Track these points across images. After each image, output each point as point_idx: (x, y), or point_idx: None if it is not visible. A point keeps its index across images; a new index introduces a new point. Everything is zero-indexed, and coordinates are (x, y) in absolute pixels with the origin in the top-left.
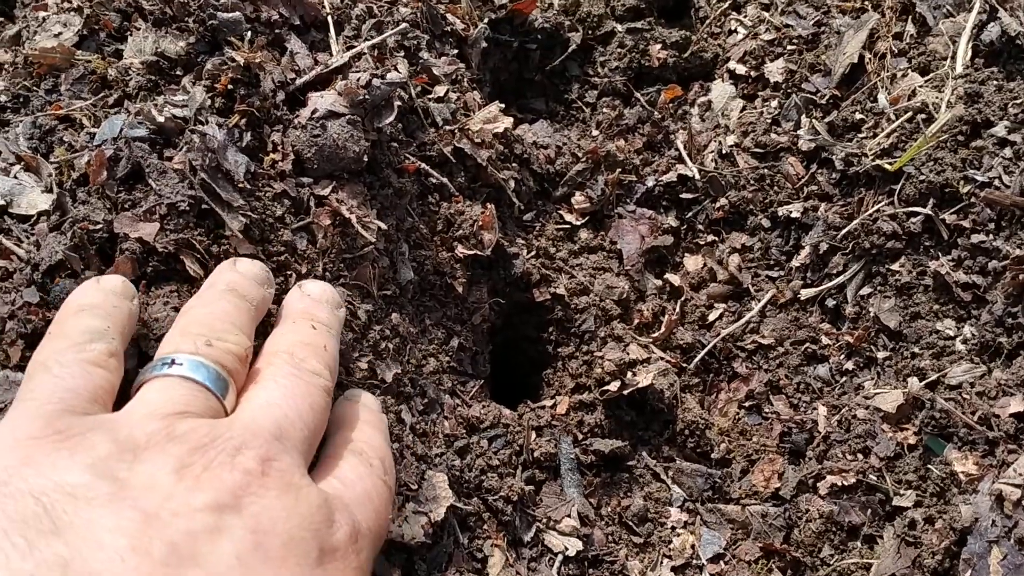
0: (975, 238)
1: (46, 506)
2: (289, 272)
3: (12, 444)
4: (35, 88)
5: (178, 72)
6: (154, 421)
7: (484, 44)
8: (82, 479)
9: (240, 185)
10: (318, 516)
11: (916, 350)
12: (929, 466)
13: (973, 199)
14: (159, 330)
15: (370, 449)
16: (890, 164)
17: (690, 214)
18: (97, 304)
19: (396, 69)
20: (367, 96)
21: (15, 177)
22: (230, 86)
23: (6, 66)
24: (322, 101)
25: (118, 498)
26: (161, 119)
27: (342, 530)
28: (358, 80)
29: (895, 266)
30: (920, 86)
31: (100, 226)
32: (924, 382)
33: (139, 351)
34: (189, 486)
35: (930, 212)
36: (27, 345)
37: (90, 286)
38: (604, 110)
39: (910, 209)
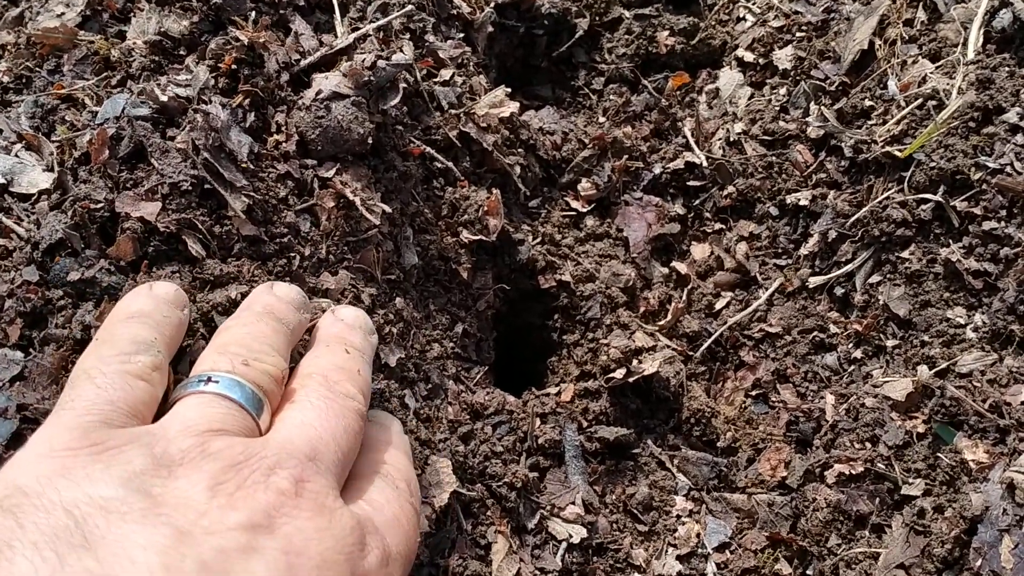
0: (986, 225)
1: (78, 519)
2: (292, 254)
3: (48, 453)
4: (38, 69)
5: (181, 52)
6: (189, 437)
7: (490, 29)
8: (116, 493)
9: (243, 165)
10: (351, 539)
11: (926, 338)
12: (939, 454)
13: (984, 186)
14: None
15: (396, 472)
16: (900, 151)
17: (697, 202)
18: (147, 312)
19: (401, 51)
20: (372, 78)
21: (16, 156)
22: (234, 66)
23: (8, 47)
24: (327, 82)
25: (151, 514)
26: (164, 98)
27: (374, 554)
28: (363, 61)
29: (905, 254)
30: (931, 72)
31: (101, 205)
32: (934, 370)
33: None
34: (222, 504)
35: (941, 199)
36: (25, 324)
37: (142, 292)
38: (611, 97)
39: (920, 196)
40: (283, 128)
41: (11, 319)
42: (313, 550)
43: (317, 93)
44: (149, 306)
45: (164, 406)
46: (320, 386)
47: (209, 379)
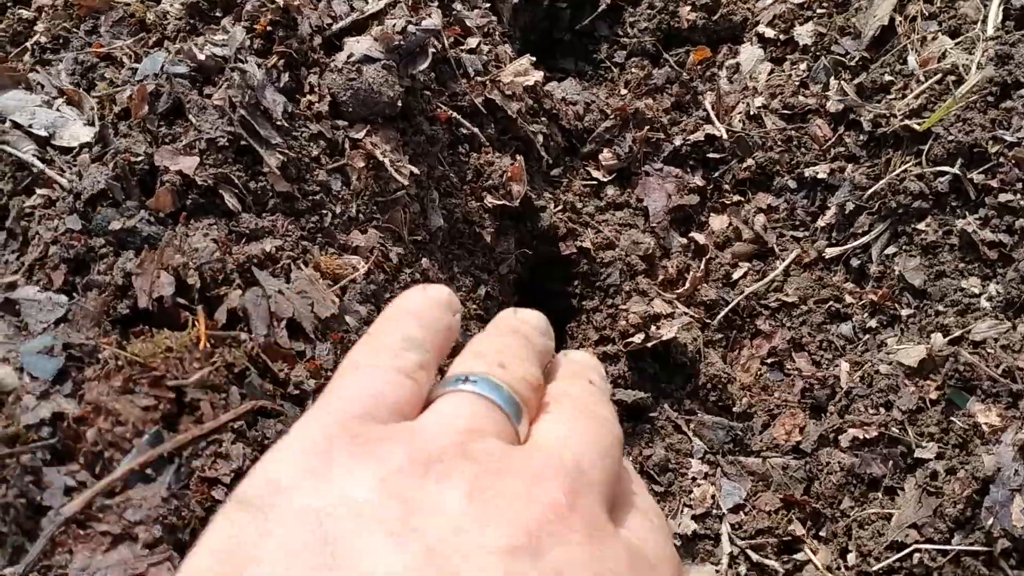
0: (1002, 197)
1: (327, 532)
2: (324, 211)
3: (309, 448)
4: (75, 30)
5: (217, 14)
6: (448, 435)
7: (516, 0)
8: (370, 496)
9: (278, 123)
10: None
11: (940, 308)
12: (952, 418)
13: (1001, 159)
14: (197, 260)
15: (647, 504)
16: (919, 124)
17: (717, 174)
18: (418, 312)
19: (430, 17)
20: (402, 42)
21: (57, 110)
22: (269, 27)
23: (46, 8)
24: (358, 46)
25: (405, 527)
26: (202, 56)
27: None
28: (394, 26)
29: (921, 225)
30: (950, 48)
31: (141, 158)
32: (948, 338)
33: (178, 280)
34: (480, 516)
35: (958, 172)
36: (69, 270)
37: (416, 293)
38: (633, 70)
39: (938, 169)
40: (316, 89)
41: (55, 265)
42: None
43: (349, 56)
44: (421, 306)
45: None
46: (575, 406)
47: (467, 379)
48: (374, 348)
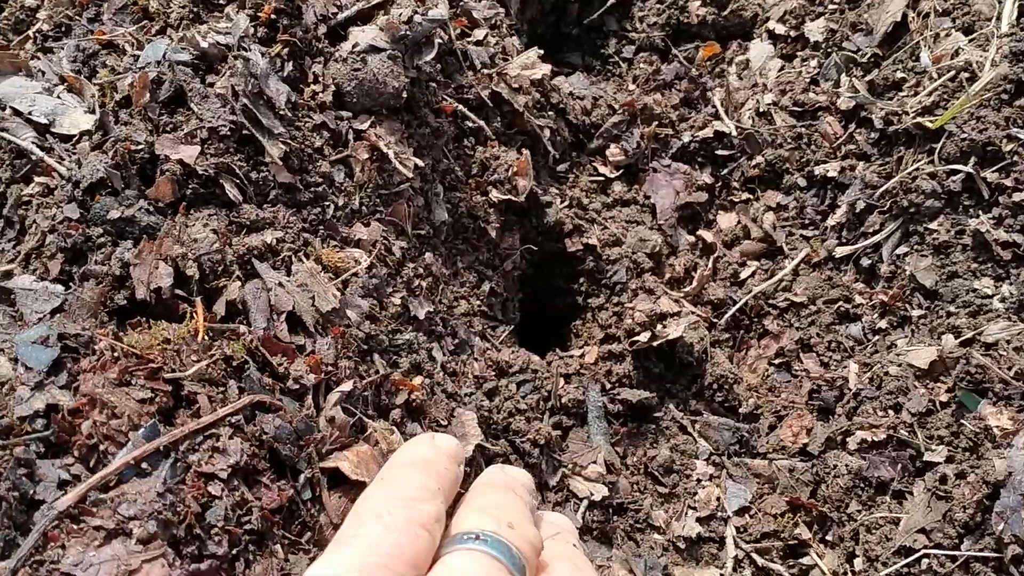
0: (1016, 196)
1: None
2: (326, 203)
3: None
4: (77, 17)
5: (220, 1)
6: None
7: None
8: None
9: (281, 113)
10: None
11: (952, 309)
12: (962, 421)
13: (1016, 157)
14: (196, 251)
15: None
16: (931, 122)
17: (725, 171)
18: (431, 462)
19: (437, 7)
20: (408, 32)
21: (58, 97)
22: (273, 16)
23: None
24: (363, 35)
25: None
26: (204, 44)
27: None
28: (400, 16)
29: (933, 225)
30: (964, 45)
31: (141, 147)
32: (959, 340)
33: (176, 271)
34: None
35: (971, 170)
36: (66, 259)
37: (425, 442)
38: (641, 65)
39: (950, 167)
40: (320, 79)
41: (52, 254)
42: None
43: (354, 46)
44: (432, 455)
45: None
46: (570, 570)
47: (477, 537)
48: (389, 496)
